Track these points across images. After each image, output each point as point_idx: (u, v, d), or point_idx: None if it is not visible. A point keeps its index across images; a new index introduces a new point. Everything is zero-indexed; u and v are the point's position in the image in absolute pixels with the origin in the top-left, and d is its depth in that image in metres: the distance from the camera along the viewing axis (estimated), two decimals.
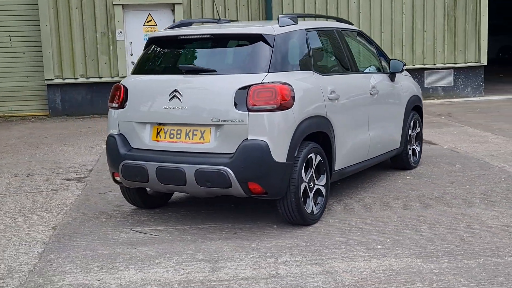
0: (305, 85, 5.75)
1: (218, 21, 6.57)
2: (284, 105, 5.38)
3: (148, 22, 14.86)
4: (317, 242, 5.33)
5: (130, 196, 6.35)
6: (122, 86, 5.98)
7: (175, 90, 5.60)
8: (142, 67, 6.12)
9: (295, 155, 5.51)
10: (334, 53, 6.66)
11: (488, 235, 5.38)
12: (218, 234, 5.63)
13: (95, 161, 9.34)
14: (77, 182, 7.93)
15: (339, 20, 7.33)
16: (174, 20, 14.67)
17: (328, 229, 5.68)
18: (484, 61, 15.62)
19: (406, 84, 7.83)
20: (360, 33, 7.41)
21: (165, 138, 5.73)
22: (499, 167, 8.03)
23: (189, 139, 5.61)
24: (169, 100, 5.62)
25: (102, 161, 9.11)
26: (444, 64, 15.59)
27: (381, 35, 15.19)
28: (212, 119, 5.46)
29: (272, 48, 5.59)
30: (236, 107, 5.37)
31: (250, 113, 5.33)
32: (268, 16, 14.60)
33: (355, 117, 6.52)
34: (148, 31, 14.84)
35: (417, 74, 15.24)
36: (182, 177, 5.49)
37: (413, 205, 6.39)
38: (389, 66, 7.42)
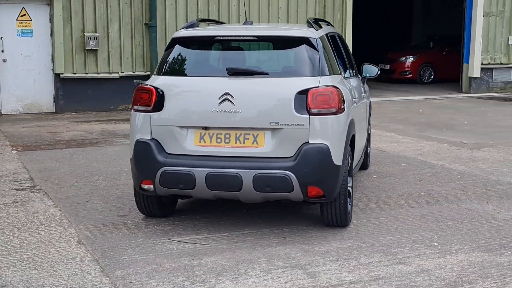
0: (344, 88, 5.86)
1: (245, 22, 6.40)
2: (340, 108, 5.45)
3: (21, 16, 13.79)
4: (374, 242, 5.48)
5: (147, 205, 5.99)
6: (153, 88, 5.62)
7: (226, 93, 5.41)
8: (172, 68, 5.80)
9: (347, 158, 5.60)
10: (340, 57, 6.82)
11: (510, 227, 5.89)
12: (268, 240, 5.55)
13: (22, 167, 8.56)
14: (32, 192, 7.24)
15: (328, 23, 7.50)
16: (51, 16, 13.78)
17: (367, 229, 5.85)
18: None
19: (366, 88, 8.22)
20: (340, 36, 7.64)
21: (210, 142, 5.50)
22: (440, 164, 8.72)
23: (240, 143, 5.45)
24: (219, 103, 5.41)
25: (34, 167, 8.43)
26: None
27: None
28: (270, 123, 5.36)
29: (318, 51, 5.63)
30: (296, 111, 5.33)
31: (311, 116, 5.33)
32: (152, 15, 14.27)
33: (360, 120, 6.75)
34: (22, 26, 13.77)
35: None
36: (237, 182, 5.32)
37: (414, 203, 6.76)
38: (360, 70, 7.72)
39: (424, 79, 21.69)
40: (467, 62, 18.56)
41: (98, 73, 14.24)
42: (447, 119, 13.29)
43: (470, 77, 18.52)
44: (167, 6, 14.62)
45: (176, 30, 14.68)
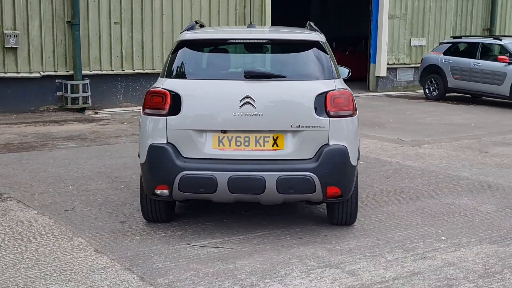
0: (351, 91, 6.03)
1: (249, 25, 6.37)
2: (355, 110, 5.63)
3: None
4: (387, 239, 5.70)
5: (154, 211, 5.89)
6: (167, 91, 5.52)
7: (247, 96, 5.42)
8: (183, 71, 5.72)
9: (359, 158, 5.79)
10: None
11: (499, 219, 6.32)
12: (286, 241, 5.63)
13: None
14: (3, 201, 6.87)
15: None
16: None
17: (371, 227, 6.06)
18: None
19: None
20: None
21: (230, 146, 5.49)
22: (395, 162, 9.13)
23: (260, 146, 5.49)
24: (240, 106, 5.42)
25: None
26: None
27: None
28: (292, 125, 5.44)
29: (328, 54, 5.77)
30: (316, 113, 5.44)
31: (330, 118, 5.46)
32: (75, 13, 13.80)
33: None
34: None
35: None
36: (260, 185, 5.36)
37: (398, 200, 7.07)
38: None
39: None
40: (374, 62, 19.37)
41: (18, 72, 13.57)
42: (374, 117, 13.83)
43: (377, 77, 19.34)
44: (90, 3, 14.19)
45: (99, 28, 14.49)
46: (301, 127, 5.44)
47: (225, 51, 5.96)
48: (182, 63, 5.77)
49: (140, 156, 5.67)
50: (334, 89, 5.54)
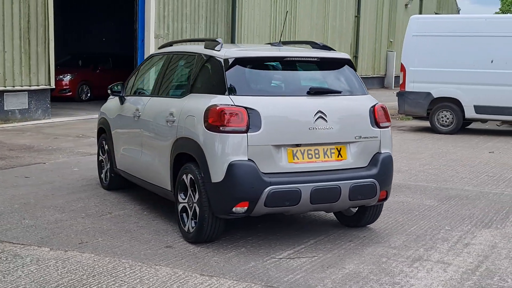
0: None
1: (278, 44, 6.47)
2: (390, 122, 6.31)
3: None
4: (411, 236, 6.47)
5: (213, 230, 5.80)
6: (243, 108, 5.53)
7: (319, 111, 5.74)
8: (246, 88, 5.74)
9: None
10: None
11: (459, 208, 7.55)
12: (344, 244, 6.05)
13: None
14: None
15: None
16: None
17: (379, 226, 6.77)
18: (52, 84, 16.15)
19: None
20: None
21: (303, 159, 5.74)
22: None
23: (328, 157, 5.84)
24: (314, 121, 5.71)
25: None
26: (21, 86, 15.39)
27: None
28: (355, 137, 5.91)
29: (356, 71, 6.37)
30: (371, 125, 6.01)
31: (380, 129, 6.08)
32: None
33: None
34: None
35: None
36: (337, 194, 5.74)
37: None
38: None
39: (83, 97, 21.93)
40: None
41: None
42: None
43: None
44: None
45: None
46: (362, 138, 5.95)
47: (276, 68, 6.12)
48: (241, 80, 5.80)
49: (213, 174, 5.54)
50: (377, 103, 6.16)
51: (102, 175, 8.38)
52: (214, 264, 5.39)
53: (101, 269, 5.21)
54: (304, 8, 28.22)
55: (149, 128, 6.81)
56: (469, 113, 15.16)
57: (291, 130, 5.68)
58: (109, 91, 7.82)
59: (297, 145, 5.71)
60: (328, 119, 5.78)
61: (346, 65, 6.30)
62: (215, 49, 6.07)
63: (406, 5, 41.13)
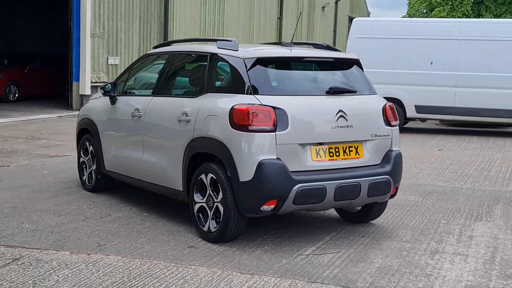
0: None
1: (289, 44, 6.53)
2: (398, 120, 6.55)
3: None
4: (420, 229, 6.73)
5: (237, 229, 5.83)
6: (271, 107, 5.59)
7: (340, 110, 5.88)
8: (268, 88, 5.80)
9: None
10: None
11: (443, 202, 7.88)
12: (364, 239, 6.22)
13: None
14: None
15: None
16: None
17: (381, 221, 6.99)
18: None
19: None
20: None
21: (325, 157, 5.86)
22: None
23: (347, 155, 5.99)
24: (336, 119, 5.85)
25: None
26: None
27: None
28: (371, 135, 6.09)
29: (363, 71, 6.56)
30: (384, 123, 6.22)
31: (391, 127, 6.29)
32: None
33: None
34: None
35: None
36: (357, 191, 5.90)
37: None
38: None
39: (10, 97, 21.19)
40: (77, 81, 19.20)
41: None
42: None
43: (82, 95, 19.19)
44: None
45: None
46: (377, 136, 6.14)
47: (295, 68, 6.19)
48: (263, 80, 5.85)
49: (241, 173, 5.57)
50: (386, 102, 6.37)
51: (85, 177, 8.18)
52: (247, 263, 5.42)
53: (137, 271, 5.13)
54: (231, 9, 28.37)
55: (154, 128, 6.72)
56: (411, 112, 15.77)
57: (315, 129, 5.79)
58: (101, 91, 7.65)
59: (320, 144, 5.82)
60: (348, 118, 5.92)
61: (355, 65, 6.46)
62: (232, 48, 6.09)
63: (323, 7, 42.10)
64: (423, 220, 7.06)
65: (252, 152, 5.55)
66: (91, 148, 7.99)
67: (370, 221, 6.86)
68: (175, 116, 6.35)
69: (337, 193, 5.75)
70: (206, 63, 6.34)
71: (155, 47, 7.66)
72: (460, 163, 11.21)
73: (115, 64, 20.44)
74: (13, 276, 4.92)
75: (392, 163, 6.21)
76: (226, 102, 5.79)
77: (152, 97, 6.94)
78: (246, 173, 5.56)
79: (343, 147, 5.96)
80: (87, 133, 8.12)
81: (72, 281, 4.86)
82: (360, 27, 16.18)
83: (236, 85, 5.90)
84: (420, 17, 47.66)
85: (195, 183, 6.08)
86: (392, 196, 6.36)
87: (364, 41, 15.93)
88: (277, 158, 5.58)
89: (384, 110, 6.27)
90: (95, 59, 19.52)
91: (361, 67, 6.51)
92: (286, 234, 6.31)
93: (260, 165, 5.52)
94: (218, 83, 6.21)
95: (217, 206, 5.86)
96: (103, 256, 5.51)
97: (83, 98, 19.24)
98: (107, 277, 4.98)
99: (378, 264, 5.48)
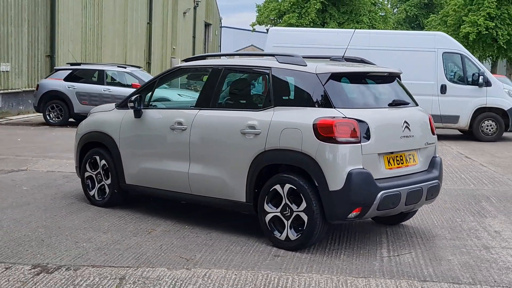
0: None
1: (341, 59, 6.81)
2: None
3: None
4: (452, 230, 7.37)
5: (319, 234, 6.12)
6: (355, 120, 5.93)
7: (405, 121, 6.36)
8: (344, 101, 6.13)
9: None
10: None
11: (443, 202, 8.58)
12: (407, 241, 6.73)
13: None
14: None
15: None
16: None
17: (412, 222, 7.55)
18: None
19: None
20: None
21: (394, 165, 6.29)
22: None
23: (407, 162, 6.47)
24: (403, 130, 6.32)
25: None
26: None
27: None
28: (425, 143, 6.64)
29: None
30: (431, 132, 6.80)
31: (435, 136, 6.89)
32: None
33: None
34: None
35: None
36: (420, 195, 6.42)
37: None
38: None
39: None
40: None
41: None
42: (46, 141, 14.16)
43: None
44: None
45: None
46: (428, 144, 6.70)
47: (360, 82, 6.53)
48: (338, 94, 6.17)
49: (331, 183, 5.84)
50: (428, 113, 6.95)
51: (93, 192, 7.94)
52: (344, 267, 5.71)
53: (259, 282, 5.24)
54: (108, 14, 27.89)
55: (207, 141, 6.74)
56: None
57: (389, 139, 6.22)
58: (129, 105, 7.46)
59: (391, 153, 6.25)
60: (411, 128, 6.41)
61: (397, 79, 6.96)
62: (300, 64, 6.34)
63: (184, 13, 42.40)
64: (441, 219, 7.70)
65: (341, 162, 5.85)
66: (103, 162, 7.78)
67: (401, 223, 7.38)
68: (237, 129, 6.45)
69: (408, 198, 6.21)
70: (268, 77, 6.51)
71: (185, 60, 7.60)
72: None
73: (6, 71, 19.39)
74: None
75: (439, 168, 6.78)
76: (307, 115, 6.03)
77: (196, 110, 6.95)
78: (336, 183, 5.84)
79: (405, 155, 6.43)
80: (96, 147, 7.90)
81: None
82: (277, 36, 16.77)
83: (311, 99, 6.16)
84: (269, 24, 49.06)
85: (266, 194, 6.25)
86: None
87: (281, 50, 16.48)
88: (363, 167, 5.93)
89: (428, 120, 6.83)
90: None
91: (400, 78, 7.02)
92: (345, 238, 6.65)
93: (350, 174, 5.84)
94: (286, 97, 6.42)
95: (297, 215, 6.07)
96: (205, 269, 5.53)
97: None
98: None
99: (457, 261, 6.00)
